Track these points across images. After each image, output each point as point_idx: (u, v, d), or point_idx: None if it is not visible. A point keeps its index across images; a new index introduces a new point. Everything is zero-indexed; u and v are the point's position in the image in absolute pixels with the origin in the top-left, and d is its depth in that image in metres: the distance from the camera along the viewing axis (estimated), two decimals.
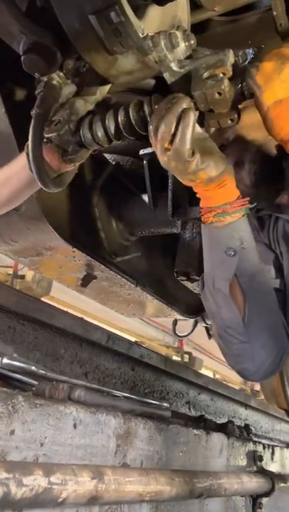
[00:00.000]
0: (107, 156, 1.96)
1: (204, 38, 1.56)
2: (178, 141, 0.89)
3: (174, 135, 0.89)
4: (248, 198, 1.03)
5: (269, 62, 0.90)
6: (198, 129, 0.93)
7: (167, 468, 1.23)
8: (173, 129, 0.89)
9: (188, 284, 2.11)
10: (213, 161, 0.94)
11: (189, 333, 2.75)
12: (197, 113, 0.92)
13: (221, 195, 1.00)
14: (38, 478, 0.76)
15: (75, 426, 0.95)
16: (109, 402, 1.11)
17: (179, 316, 2.56)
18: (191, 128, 0.89)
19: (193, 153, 0.90)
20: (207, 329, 2.77)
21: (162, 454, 1.22)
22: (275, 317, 1.16)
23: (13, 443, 0.81)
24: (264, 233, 1.31)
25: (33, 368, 1.07)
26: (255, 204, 1.09)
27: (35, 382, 1.04)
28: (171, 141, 0.89)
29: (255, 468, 1.79)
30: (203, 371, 8.15)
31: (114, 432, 1.05)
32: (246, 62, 1.65)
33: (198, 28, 1.47)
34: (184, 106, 0.89)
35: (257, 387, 7.88)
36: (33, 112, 1.02)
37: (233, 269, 1.06)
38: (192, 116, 0.89)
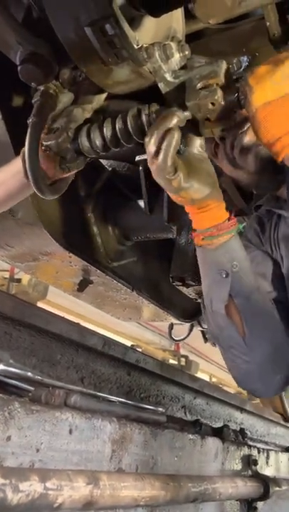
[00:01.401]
0: (104, 161, 1.97)
1: (199, 45, 1.58)
2: (160, 159, 0.90)
3: (157, 152, 0.90)
4: (236, 220, 1.02)
5: (264, 65, 0.89)
6: (195, 149, 0.95)
7: (162, 472, 1.24)
8: (156, 147, 0.90)
9: (183, 289, 2.12)
10: (197, 184, 0.94)
11: (185, 337, 2.76)
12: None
13: (206, 220, 1.01)
14: (33, 483, 0.76)
15: (70, 432, 0.96)
16: (105, 408, 1.12)
17: (174, 320, 2.57)
18: (173, 148, 0.90)
19: (176, 171, 0.91)
20: (203, 333, 2.78)
21: (157, 459, 1.23)
22: (278, 334, 1.13)
23: (9, 449, 0.81)
24: (265, 237, 1.29)
25: (29, 373, 1.08)
26: (244, 224, 1.08)
27: (31, 388, 1.05)
28: (156, 157, 0.91)
29: (250, 473, 1.80)
30: (200, 374, 8.15)
31: (109, 437, 1.06)
32: (241, 70, 1.67)
33: (194, 36, 1.49)
34: (171, 124, 0.90)
35: None
36: (29, 121, 1.04)
37: (227, 290, 1.05)
38: (175, 136, 0.90)
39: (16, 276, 5.08)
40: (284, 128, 0.86)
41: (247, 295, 1.08)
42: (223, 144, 1.22)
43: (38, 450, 0.87)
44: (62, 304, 6.66)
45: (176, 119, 0.91)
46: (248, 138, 1.15)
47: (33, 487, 0.76)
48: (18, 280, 4.98)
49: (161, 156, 0.90)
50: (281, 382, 1.15)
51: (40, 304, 4.53)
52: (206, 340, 2.85)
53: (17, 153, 1.32)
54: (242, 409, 2.82)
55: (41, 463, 0.88)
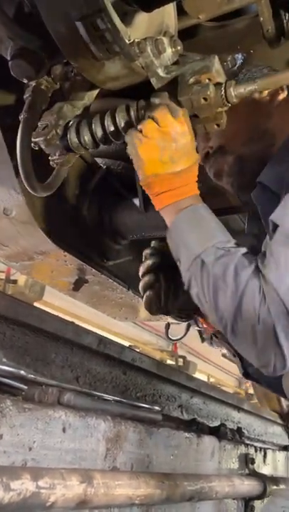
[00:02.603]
0: (98, 160, 1.96)
1: (194, 43, 1.58)
2: None
3: None
4: None
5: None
6: None
7: (158, 471, 1.23)
8: None
9: None
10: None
11: (182, 337, 2.74)
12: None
13: None
14: (25, 482, 0.76)
15: (64, 430, 0.95)
16: (99, 406, 1.11)
17: (171, 320, 2.56)
18: None
19: None
20: (200, 332, 2.77)
21: (153, 458, 1.22)
22: None
23: (0, 447, 0.81)
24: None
25: (23, 372, 1.07)
26: None
27: (24, 387, 1.04)
28: None
29: (247, 471, 1.79)
30: (198, 375, 8.15)
31: (103, 435, 1.05)
32: (235, 67, 1.66)
33: (189, 34, 1.49)
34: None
35: (251, 390, 7.89)
36: (21, 117, 1.03)
37: None
38: None
39: (12, 278, 5.07)
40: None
41: None
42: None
43: (30, 449, 0.86)
44: (59, 304, 6.65)
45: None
46: (217, 166, 1.20)
47: (24, 485, 0.75)
48: (14, 281, 4.97)
49: None
50: None
51: (36, 305, 4.51)
52: (203, 340, 2.84)
53: (10, 149, 1.32)
54: (239, 409, 2.82)
55: (34, 461, 0.87)
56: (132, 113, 0.96)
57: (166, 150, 0.94)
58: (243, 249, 0.94)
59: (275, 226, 0.91)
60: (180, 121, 0.94)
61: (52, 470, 0.83)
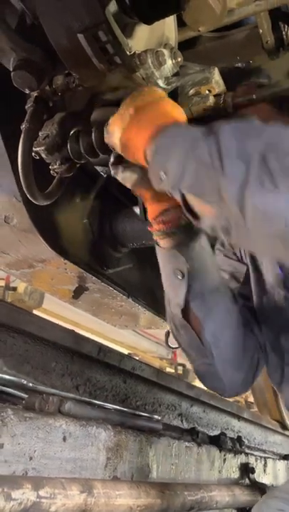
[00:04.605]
0: (99, 168, 1.98)
1: (194, 53, 1.59)
2: None
3: None
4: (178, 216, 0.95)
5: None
6: None
7: (158, 481, 1.23)
8: None
9: None
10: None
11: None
12: None
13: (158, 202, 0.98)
14: (26, 492, 0.75)
15: (64, 439, 0.94)
16: (100, 415, 1.11)
17: None
18: None
19: None
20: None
21: (153, 467, 1.22)
22: (239, 335, 1.08)
23: (1, 457, 0.81)
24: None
25: (23, 381, 1.07)
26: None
27: (25, 396, 1.04)
28: None
29: (247, 481, 1.78)
30: (197, 383, 8.12)
31: (104, 444, 1.05)
32: None
33: (189, 44, 1.51)
34: None
35: (251, 398, 7.85)
36: (22, 126, 1.04)
37: (183, 293, 0.98)
38: None
39: (11, 285, 5.06)
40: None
41: (206, 296, 1.01)
42: None
43: (31, 458, 0.86)
44: (58, 312, 6.64)
45: None
46: None
47: (25, 495, 0.75)
48: (14, 288, 4.96)
49: None
50: (243, 381, 1.11)
51: (36, 312, 4.50)
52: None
53: (11, 159, 1.33)
54: (239, 417, 2.80)
55: (34, 471, 0.87)
56: None
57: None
58: None
59: None
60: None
61: (52, 479, 0.83)
